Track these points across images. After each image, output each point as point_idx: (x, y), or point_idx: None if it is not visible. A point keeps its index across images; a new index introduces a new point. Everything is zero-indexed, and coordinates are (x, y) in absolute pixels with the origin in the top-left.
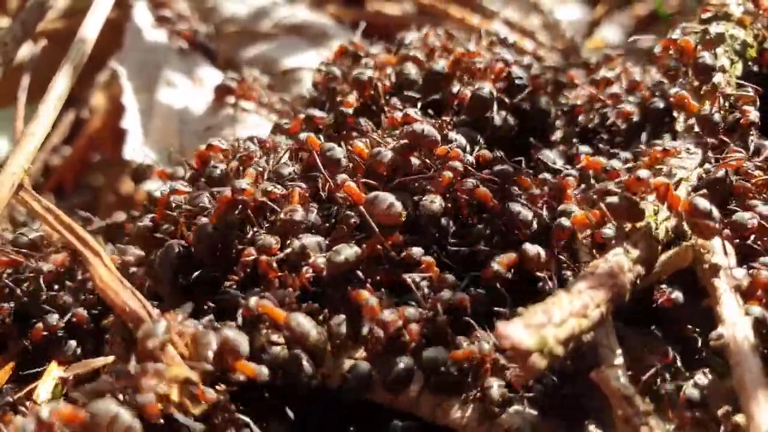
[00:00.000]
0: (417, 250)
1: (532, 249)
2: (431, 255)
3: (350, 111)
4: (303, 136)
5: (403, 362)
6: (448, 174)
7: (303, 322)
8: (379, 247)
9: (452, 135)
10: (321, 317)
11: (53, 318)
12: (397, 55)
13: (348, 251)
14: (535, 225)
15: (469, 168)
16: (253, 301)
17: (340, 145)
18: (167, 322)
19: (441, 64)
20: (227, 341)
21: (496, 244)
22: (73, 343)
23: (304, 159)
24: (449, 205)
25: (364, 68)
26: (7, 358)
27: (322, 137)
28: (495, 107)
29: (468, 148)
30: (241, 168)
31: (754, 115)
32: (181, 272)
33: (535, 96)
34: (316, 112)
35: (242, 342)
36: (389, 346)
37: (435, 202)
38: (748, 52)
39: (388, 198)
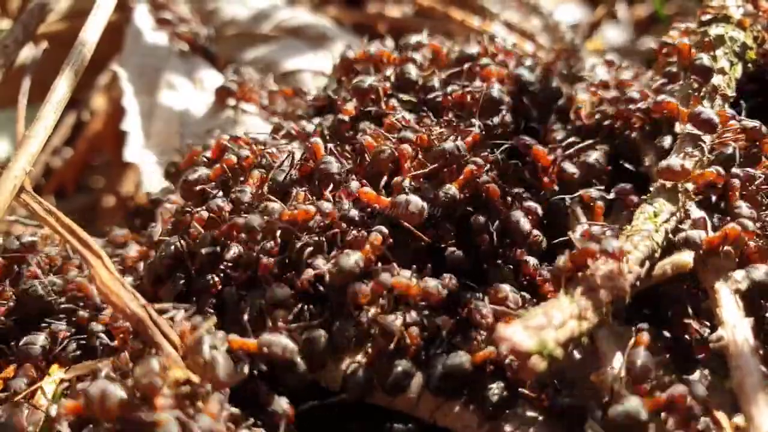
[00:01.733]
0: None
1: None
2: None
3: (347, 118)
4: (312, 140)
5: (401, 365)
6: (471, 167)
7: (273, 341)
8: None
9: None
10: (322, 319)
11: (58, 326)
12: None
13: (355, 255)
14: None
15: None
16: (220, 335)
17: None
18: (161, 360)
19: (475, 48)
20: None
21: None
22: (74, 345)
23: (302, 165)
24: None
25: (364, 76)
26: (8, 360)
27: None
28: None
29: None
30: (246, 166)
31: None
32: (178, 272)
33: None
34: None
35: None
36: (390, 350)
37: (452, 189)
38: (747, 54)
39: (418, 201)
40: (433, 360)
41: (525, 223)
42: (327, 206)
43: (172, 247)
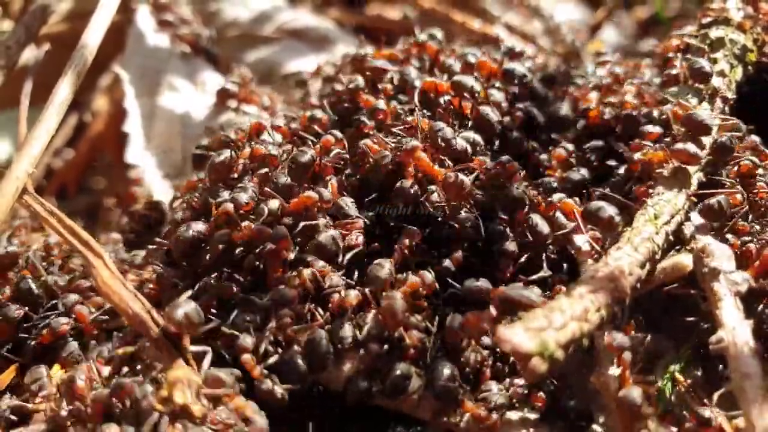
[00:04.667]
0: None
1: None
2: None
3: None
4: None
5: (400, 368)
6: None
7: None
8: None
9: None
10: (323, 320)
11: (59, 322)
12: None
13: (384, 270)
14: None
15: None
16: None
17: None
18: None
19: None
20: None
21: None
22: (76, 345)
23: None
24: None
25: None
26: (11, 360)
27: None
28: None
29: (470, 150)
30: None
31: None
32: (191, 257)
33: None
34: (319, 113)
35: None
36: (390, 352)
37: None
38: (747, 56)
39: (465, 179)
40: (435, 363)
41: (544, 227)
42: (326, 194)
43: (191, 233)
